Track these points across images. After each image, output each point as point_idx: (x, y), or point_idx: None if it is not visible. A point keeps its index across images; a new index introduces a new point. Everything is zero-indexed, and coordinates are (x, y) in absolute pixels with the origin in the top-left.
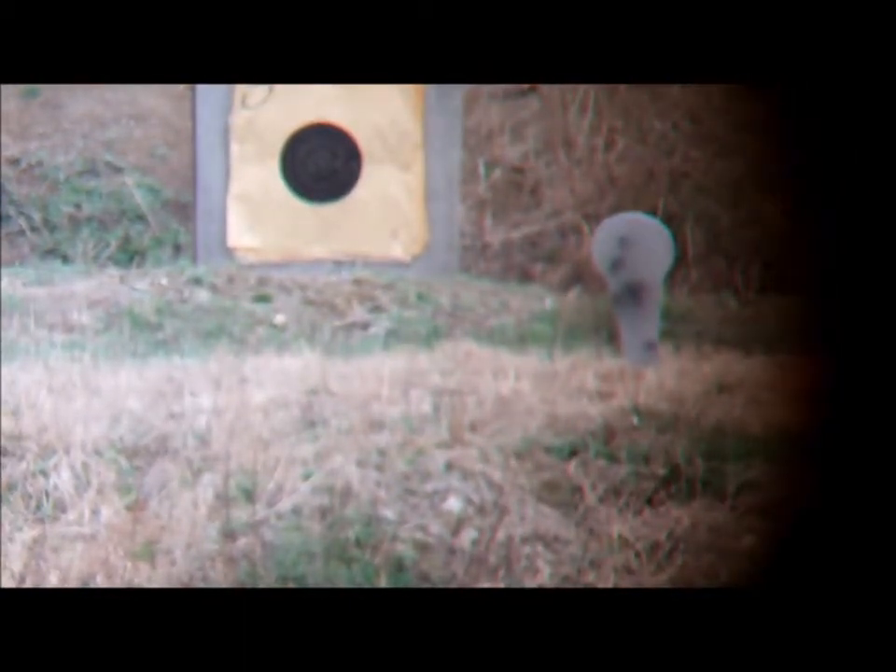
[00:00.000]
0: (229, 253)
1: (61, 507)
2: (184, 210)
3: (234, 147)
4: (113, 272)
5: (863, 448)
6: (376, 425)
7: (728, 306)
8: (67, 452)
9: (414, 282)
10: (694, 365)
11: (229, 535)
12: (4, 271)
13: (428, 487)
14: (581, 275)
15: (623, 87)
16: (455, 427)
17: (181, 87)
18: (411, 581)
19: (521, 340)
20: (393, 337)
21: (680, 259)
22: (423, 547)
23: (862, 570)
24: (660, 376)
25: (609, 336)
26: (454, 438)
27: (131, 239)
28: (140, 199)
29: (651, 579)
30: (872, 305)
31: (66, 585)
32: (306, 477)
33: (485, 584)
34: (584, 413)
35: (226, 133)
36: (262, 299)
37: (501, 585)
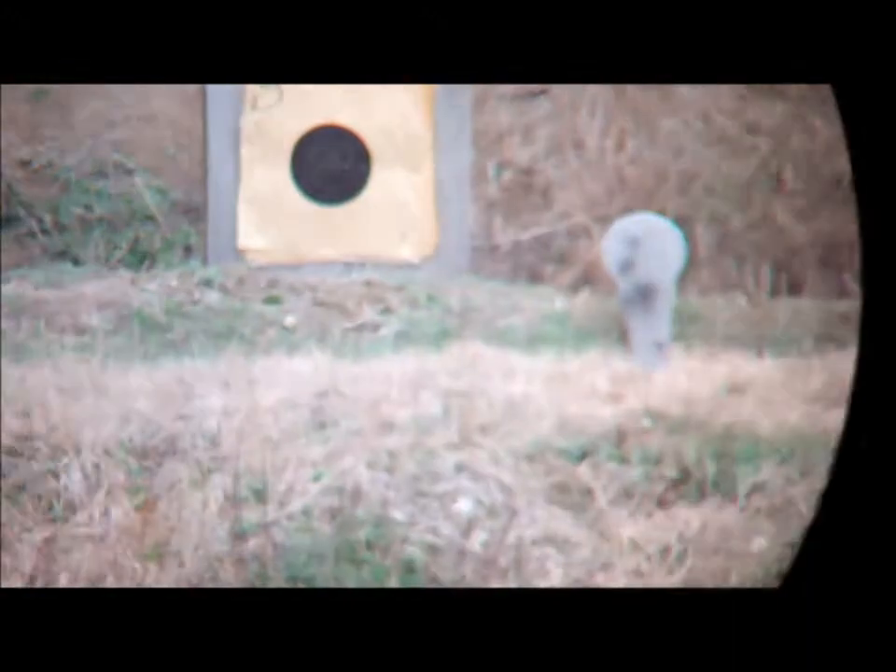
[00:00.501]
0: (239, 255)
1: (71, 508)
2: (194, 212)
3: (245, 149)
4: (123, 273)
5: (874, 450)
6: (386, 426)
7: (739, 307)
8: (77, 453)
9: (424, 283)
10: (705, 366)
11: (238, 536)
12: (14, 272)
13: (438, 489)
14: (591, 277)
15: (633, 88)
16: (464, 428)
17: (191, 88)
18: (421, 583)
19: (531, 341)
20: (403, 338)
21: (691, 260)
22: (433, 549)
23: (874, 572)
24: (671, 378)
25: (619, 338)
26: (463, 439)
27: (141, 241)
28: (150, 200)
29: (661, 581)
30: (883, 306)
31: (76, 586)
32: (316, 478)
33: (495, 586)
34: (595, 415)
35: (236, 134)
36: (272, 300)
37: (511, 587)
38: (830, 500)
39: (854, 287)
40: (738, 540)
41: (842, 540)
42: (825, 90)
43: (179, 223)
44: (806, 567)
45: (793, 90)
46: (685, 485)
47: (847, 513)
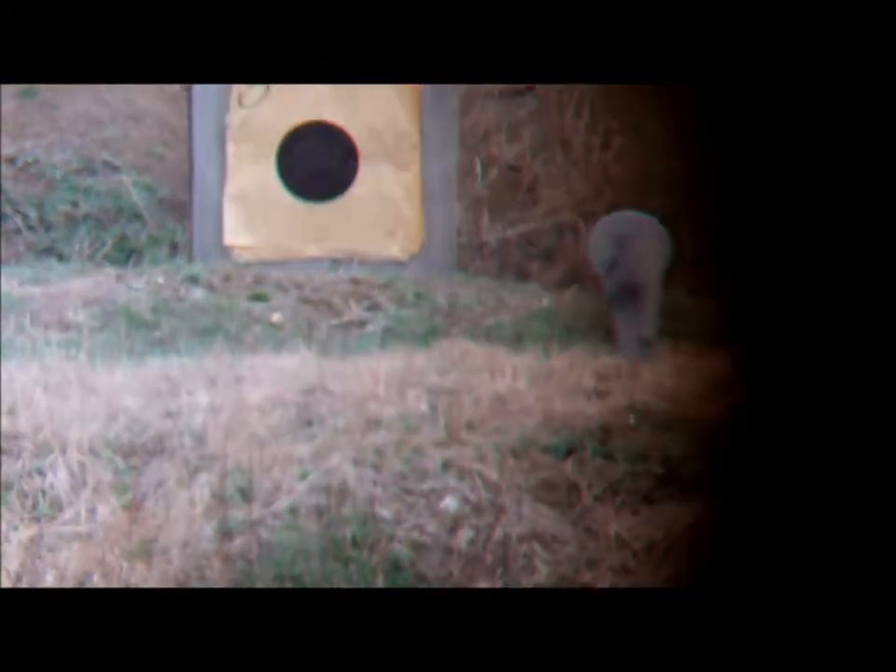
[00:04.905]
0: (225, 252)
1: (57, 506)
2: (180, 209)
3: (231, 146)
4: (109, 270)
5: (859, 447)
6: (373, 424)
7: (724, 305)
8: (63, 451)
9: (411, 281)
10: (691, 364)
11: (225, 534)
12: (0, 269)
13: (425, 486)
14: (577, 274)
15: (619, 86)
16: (451, 425)
17: (178, 86)
18: (408, 581)
19: (518, 338)
20: (390, 336)
21: (677, 258)
22: (419, 546)
23: (860, 567)
24: (657, 375)
25: (605, 335)
26: (450, 437)
27: (127, 238)
28: (137, 197)
29: (648, 578)
30: (866, 304)
31: (63, 585)
32: (303, 476)
33: (482, 584)
34: (581, 412)
35: (222, 131)
36: (259, 297)
37: (498, 585)
38: (817, 498)
39: (835, 286)
40: (724, 538)
41: (830, 538)
42: (808, 90)
43: (165, 220)
44: (794, 565)
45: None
46: (672, 482)
47: (834, 511)
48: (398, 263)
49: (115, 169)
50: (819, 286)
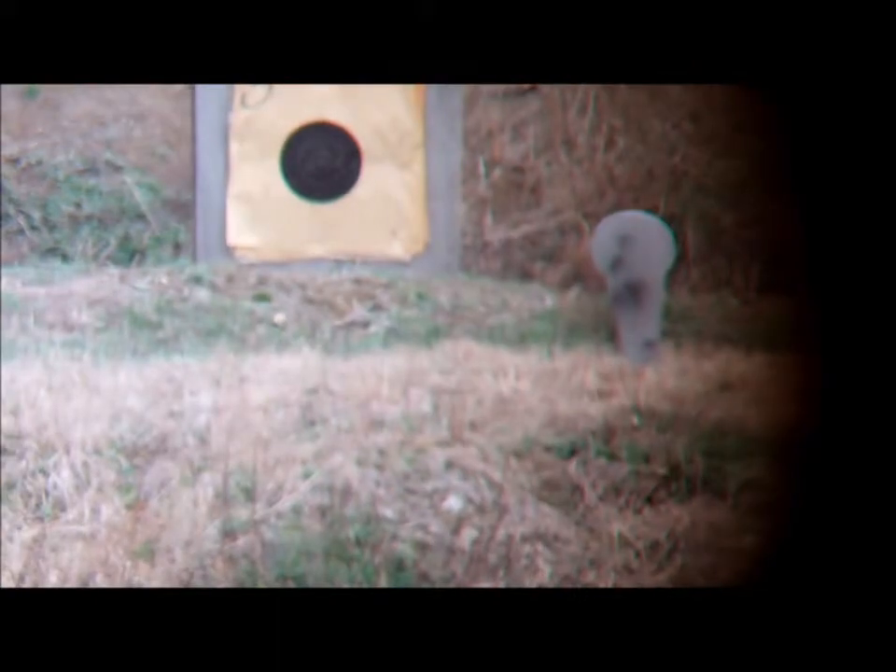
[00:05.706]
0: (228, 252)
1: (60, 506)
2: (184, 209)
3: (234, 146)
4: (113, 270)
5: (863, 446)
6: (376, 424)
7: (729, 305)
8: (67, 451)
9: (414, 281)
10: (695, 364)
11: (229, 534)
12: (4, 270)
13: (428, 486)
14: (581, 274)
15: (623, 86)
16: (454, 425)
17: (181, 86)
18: (410, 581)
19: (521, 338)
20: (393, 336)
21: (681, 258)
22: (423, 546)
23: (862, 569)
24: (660, 375)
25: (609, 335)
26: (454, 437)
27: (130, 238)
28: (140, 198)
29: (651, 578)
30: (870, 304)
31: (66, 584)
32: (306, 476)
33: (485, 584)
34: (584, 412)
35: (226, 131)
36: (262, 298)
37: (501, 585)
38: (819, 498)
39: (838, 285)
40: (728, 537)
41: (831, 538)
42: (813, 90)
43: (169, 220)
44: (796, 564)
45: (781, 90)
46: (675, 482)
47: (836, 511)
48: (401, 263)
49: (118, 169)
50: (821, 284)
